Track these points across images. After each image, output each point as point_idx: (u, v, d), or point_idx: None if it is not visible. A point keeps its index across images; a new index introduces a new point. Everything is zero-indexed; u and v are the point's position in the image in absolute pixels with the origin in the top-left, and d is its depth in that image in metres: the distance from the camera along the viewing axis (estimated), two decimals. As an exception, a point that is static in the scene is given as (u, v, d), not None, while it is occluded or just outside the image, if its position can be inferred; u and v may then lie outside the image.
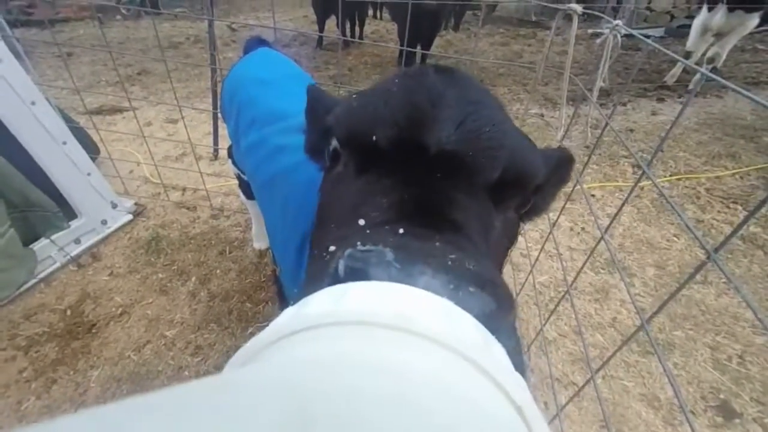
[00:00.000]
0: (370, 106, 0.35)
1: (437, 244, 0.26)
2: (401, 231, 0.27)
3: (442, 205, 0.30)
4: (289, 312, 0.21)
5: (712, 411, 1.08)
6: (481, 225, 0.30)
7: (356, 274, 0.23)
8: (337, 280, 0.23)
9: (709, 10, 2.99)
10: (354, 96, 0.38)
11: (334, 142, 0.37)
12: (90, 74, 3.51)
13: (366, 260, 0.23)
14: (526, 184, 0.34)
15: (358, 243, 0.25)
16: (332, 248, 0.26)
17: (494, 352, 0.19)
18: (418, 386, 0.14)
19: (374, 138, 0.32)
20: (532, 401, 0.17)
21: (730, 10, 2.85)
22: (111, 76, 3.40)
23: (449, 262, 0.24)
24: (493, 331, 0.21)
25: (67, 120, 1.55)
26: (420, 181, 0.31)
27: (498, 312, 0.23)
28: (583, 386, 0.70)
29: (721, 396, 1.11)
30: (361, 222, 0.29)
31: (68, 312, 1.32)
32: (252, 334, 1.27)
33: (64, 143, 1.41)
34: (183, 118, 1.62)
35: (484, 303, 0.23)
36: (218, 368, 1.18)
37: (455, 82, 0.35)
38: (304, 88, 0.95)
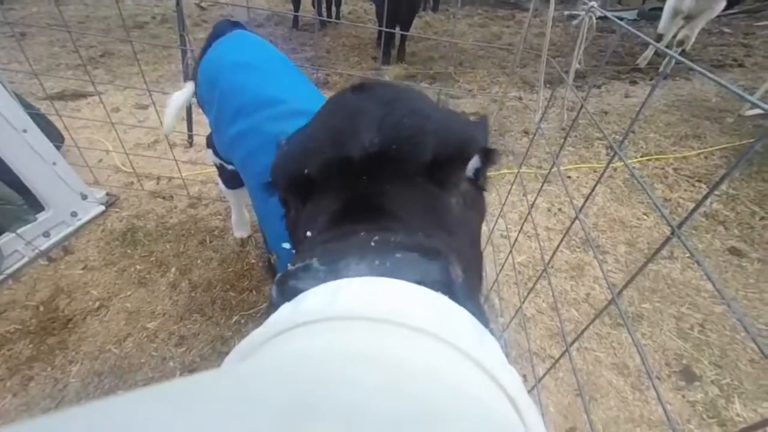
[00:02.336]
0: (298, 145, 0.36)
1: (362, 233, 0.26)
2: (326, 237, 0.27)
3: (370, 200, 0.30)
4: (285, 308, 0.21)
5: (675, 376, 1.16)
6: (418, 205, 0.31)
7: (287, 291, 0.23)
8: (275, 305, 0.23)
9: (680, -8, 3.06)
10: (285, 141, 0.39)
11: (280, 192, 0.38)
12: (48, 56, 3.28)
13: (296, 277, 0.24)
14: (465, 154, 0.34)
15: (288, 265, 0.25)
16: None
17: (487, 344, 0.20)
18: (414, 377, 0.14)
19: (306, 171, 0.33)
20: (524, 392, 0.17)
21: (699, -8, 2.92)
22: (72, 59, 3.18)
23: (372, 244, 0.24)
24: (435, 287, 0.22)
25: (26, 106, 1.45)
26: (350, 190, 0.31)
27: (435, 271, 0.23)
28: (559, 358, 0.74)
29: (684, 362, 1.20)
30: (298, 246, 0.31)
31: (41, 308, 1.27)
32: (237, 323, 1.27)
33: (25, 131, 1.32)
34: (154, 103, 1.55)
35: (416, 265, 0.23)
36: (203, 358, 1.17)
37: (370, 93, 0.36)
38: (289, 72, 0.92)
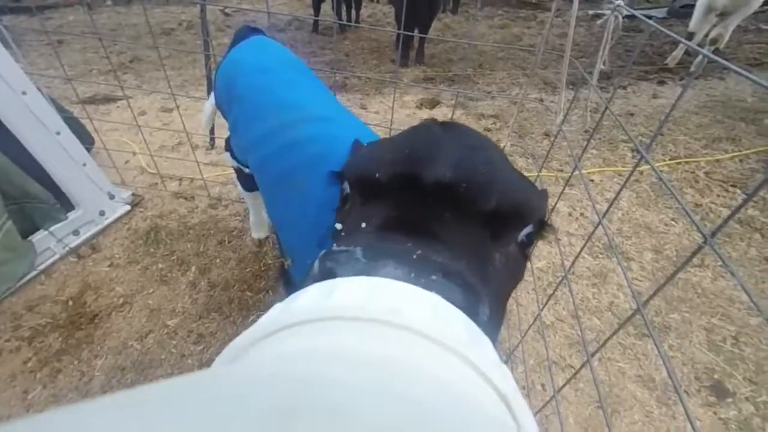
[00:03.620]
0: (376, 152, 0.39)
1: (408, 244, 0.27)
2: (376, 235, 0.29)
3: (426, 220, 0.31)
4: (278, 308, 0.21)
5: (705, 391, 1.10)
6: (467, 245, 0.31)
7: (327, 271, 0.24)
8: (312, 278, 0.24)
9: (713, -12, 2.92)
10: (366, 146, 0.43)
11: (345, 185, 0.40)
12: (81, 62, 3.44)
13: (337, 259, 0.25)
14: (524, 217, 0.36)
15: (334, 245, 0.26)
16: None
17: (480, 345, 0.20)
18: (405, 378, 0.14)
19: (377, 176, 0.35)
20: (517, 391, 0.17)
21: (735, -12, 2.78)
22: (103, 65, 3.34)
23: (414, 257, 0.25)
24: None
25: (60, 110, 1.53)
26: (411, 203, 0.33)
27: (462, 301, 0.23)
28: (580, 368, 0.71)
29: (715, 376, 1.13)
30: (345, 231, 0.32)
31: (70, 303, 1.33)
32: (253, 322, 1.29)
33: (58, 133, 1.39)
34: (178, 107, 1.60)
35: (448, 290, 0.23)
36: (221, 356, 1.20)
37: (456, 130, 0.39)
38: (305, 77, 0.93)
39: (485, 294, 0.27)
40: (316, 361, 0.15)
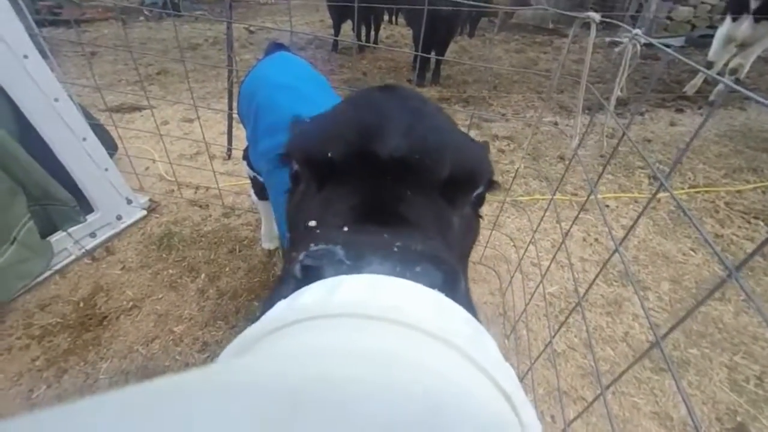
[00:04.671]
0: (323, 126, 0.38)
1: (385, 236, 0.27)
2: (351, 229, 0.29)
3: (391, 203, 0.32)
4: (282, 304, 0.21)
5: (727, 433, 1.04)
6: (432, 218, 0.33)
7: (311, 272, 0.24)
8: (297, 281, 0.24)
9: (734, 20, 2.92)
10: (308, 120, 0.41)
11: (294, 165, 0.39)
12: (112, 73, 3.61)
13: (319, 259, 0.25)
14: (476, 180, 0.37)
15: (311, 244, 0.26)
16: (294, 254, 0.28)
17: (483, 342, 0.19)
18: (410, 376, 0.14)
19: (329, 155, 0.34)
20: (520, 389, 0.17)
21: (756, 20, 2.77)
22: (131, 75, 3.49)
23: (395, 249, 0.26)
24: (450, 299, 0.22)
25: (88, 117, 1.59)
26: (372, 186, 0.33)
27: (446, 284, 0.24)
28: (593, 401, 0.68)
29: (738, 418, 1.07)
30: (319, 228, 0.32)
31: (81, 304, 1.35)
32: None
33: (84, 139, 1.45)
34: (199, 117, 1.65)
35: (432, 277, 0.24)
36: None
37: (398, 96, 0.38)
38: (323, 91, 0.95)
39: (461, 268, 0.28)
40: (321, 358, 0.15)
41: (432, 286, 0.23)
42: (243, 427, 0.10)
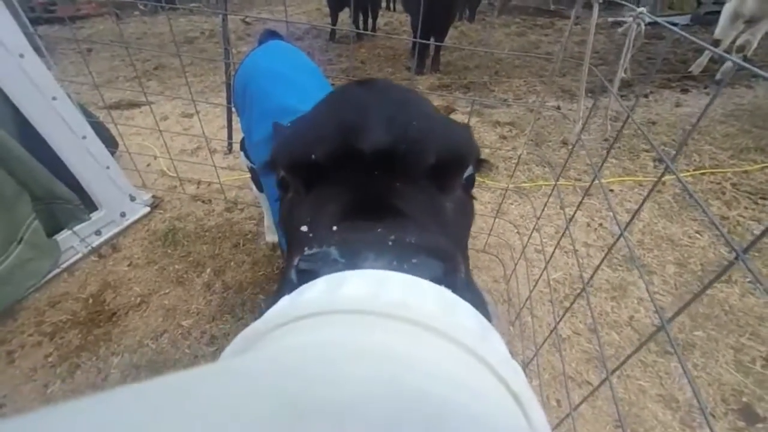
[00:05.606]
0: (304, 129, 0.37)
1: (378, 230, 0.27)
2: (343, 228, 0.29)
3: (381, 197, 0.31)
4: (286, 300, 0.21)
5: (733, 414, 1.04)
6: (424, 207, 0.32)
7: (307, 276, 0.24)
8: (294, 287, 0.24)
9: (741, -5, 2.84)
10: (288, 125, 0.40)
11: (280, 172, 0.39)
12: (109, 69, 3.59)
13: (314, 262, 0.25)
14: (464, 161, 0.36)
15: (305, 248, 0.26)
16: (290, 260, 0.28)
17: (491, 340, 0.19)
18: (414, 373, 0.14)
19: (313, 157, 0.34)
20: (528, 388, 0.17)
21: (764, -6, 2.70)
22: (129, 72, 3.47)
23: (390, 243, 0.25)
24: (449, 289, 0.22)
25: (87, 115, 1.59)
26: (360, 182, 0.32)
27: (446, 273, 0.24)
28: (599, 385, 0.69)
29: (744, 399, 1.07)
30: (311, 232, 0.31)
31: (90, 300, 1.37)
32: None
33: (84, 137, 1.45)
34: (198, 112, 1.65)
35: (430, 269, 0.24)
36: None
37: (376, 89, 0.38)
38: (314, 80, 0.94)
39: (460, 254, 0.28)
40: (326, 356, 0.15)
41: (431, 275, 0.23)
42: (246, 426, 0.10)
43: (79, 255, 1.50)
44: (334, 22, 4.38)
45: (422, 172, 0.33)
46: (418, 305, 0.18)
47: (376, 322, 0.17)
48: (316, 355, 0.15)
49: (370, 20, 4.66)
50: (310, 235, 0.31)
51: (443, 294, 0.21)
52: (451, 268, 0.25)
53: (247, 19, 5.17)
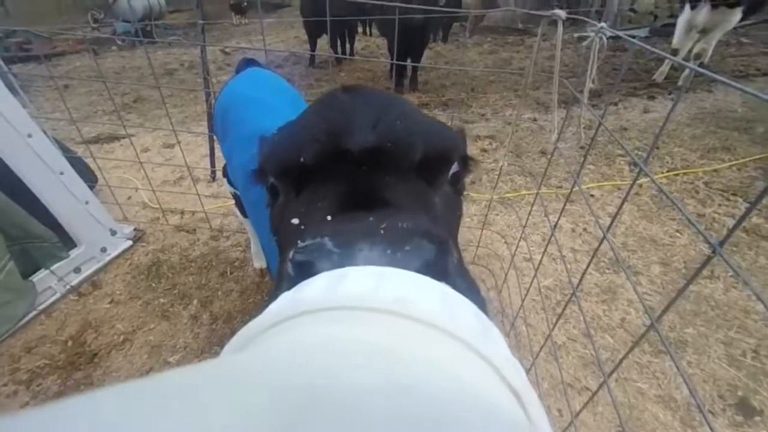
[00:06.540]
0: (292, 134, 0.38)
1: (370, 219, 0.27)
2: (335, 219, 0.29)
3: (371, 190, 0.32)
4: (286, 297, 0.21)
5: (731, 410, 1.05)
6: (414, 198, 0.33)
7: (303, 267, 0.24)
8: (290, 280, 0.24)
9: (692, 8, 3.05)
10: (275, 132, 0.41)
11: (270, 178, 0.40)
12: (87, 104, 3.56)
13: (308, 253, 0.25)
14: (449, 157, 0.38)
15: (299, 241, 0.26)
16: (284, 256, 0.28)
17: (491, 337, 0.19)
18: (415, 370, 0.14)
19: (302, 160, 0.35)
20: (529, 385, 0.17)
21: (714, 6, 2.90)
22: (107, 106, 3.45)
23: (381, 231, 0.26)
24: (440, 274, 0.23)
25: (65, 150, 1.56)
26: (350, 179, 0.33)
27: (438, 256, 0.25)
28: (597, 391, 0.68)
29: (739, 393, 1.08)
30: (303, 225, 0.32)
31: (69, 342, 1.30)
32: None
33: (62, 173, 1.41)
34: (179, 142, 1.64)
35: (423, 253, 0.24)
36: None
37: (361, 93, 0.39)
38: (291, 102, 0.95)
39: (450, 238, 0.28)
40: (327, 353, 0.14)
41: (424, 259, 0.24)
42: (247, 422, 0.10)
43: (58, 295, 1.43)
44: (313, 48, 4.48)
45: (409, 167, 0.34)
46: (418, 302, 0.18)
47: (377, 319, 0.17)
48: (317, 351, 0.15)
49: (347, 45, 4.79)
50: (303, 228, 0.31)
51: (444, 291, 0.21)
52: (443, 250, 0.25)
53: (227, 49, 5.24)
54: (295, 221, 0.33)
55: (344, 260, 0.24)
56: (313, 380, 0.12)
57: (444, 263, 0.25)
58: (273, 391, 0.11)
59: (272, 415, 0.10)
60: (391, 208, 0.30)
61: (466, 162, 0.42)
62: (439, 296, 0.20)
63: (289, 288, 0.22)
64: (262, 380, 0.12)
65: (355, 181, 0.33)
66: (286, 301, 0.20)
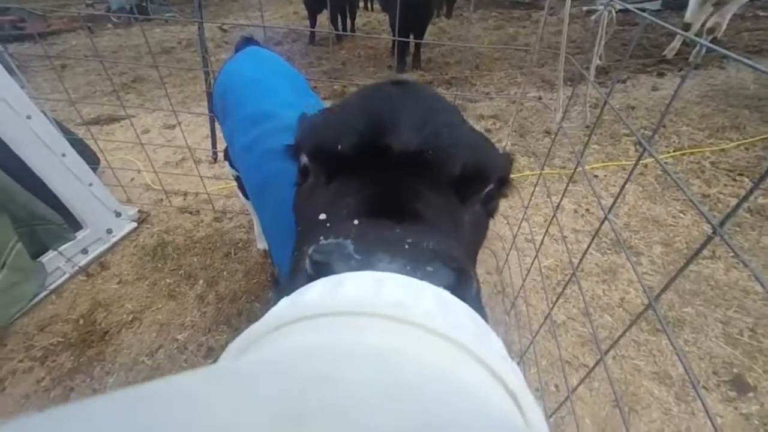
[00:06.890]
0: (333, 119, 0.37)
1: (397, 230, 0.27)
2: (362, 223, 0.28)
3: (403, 197, 0.31)
4: (285, 301, 0.21)
5: (725, 386, 1.08)
6: (445, 215, 0.32)
7: (320, 267, 0.24)
8: (306, 275, 0.24)
9: (707, -21, 2.92)
10: (317, 113, 0.40)
11: (303, 158, 0.38)
12: (85, 85, 3.51)
13: (328, 253, 0.24)
14: (488, 177, 0.36)
15: (321, 238, 0.26)
16: (305, 248, 0.28)
17: (489, 340, 0.19)
18: (413, 374, 0.14)
19: (339, 147, 0.33)
20: (526, 388, 0.17)
21: (729, -23, 2.78)
22: (106, 86, 3.40)
23: (406, 246, 0.25)
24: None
25: (66, 132, 1.55)
26: (384, 180, 0.32)
27: (457, 285, 0.24)
28: (594, 367, 0.70)
29: (734, 370, 1.11)
30: (328, 221, 0.31)
31: (81, 321, 1.34)
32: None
33: (64, 155, 1.41)
34: (180, 123, 1.63)
35: (442, 279, 0.24)
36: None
37: (411, 90, 0.38)
38: (290, 83, 0.93)
39: (472, 268, 0.28)
40: (326, 358, 0.15)
41: (443, 286, 0.23)
42: (246, 429, 0.10)
43: (67, 275, 1.46)
44: (313, 24, 4.36)
45: (447, 180, 0.33)
46: (417, 307, 0.18)
47: (376, 324, 0.17)
48: (316, 356, 0.15)
49: (348, 21, 4.65)
50: (328, 224, 0.31)
51: (441, 294, 0.21)
52: (463, 279, 0.24)
53: (224, 27, 5.10)
54: (321, 211, 0.32)
55: (363, 267, 0.23)
56: (311, 386, 0.12)
57: (462, 295, 0.24)
58: (271, 396, 0.11)
59: (271, 422, 0.10)
60: (420, 224, 0.29)
61: (504, 184, 0.40)
62: (436, 300, 0.20)
63: (306, 283, 0.22)
64: (261, 386, 0.12)
65: (389, 185, 0.32)
66: (285, 306, 0.20)
